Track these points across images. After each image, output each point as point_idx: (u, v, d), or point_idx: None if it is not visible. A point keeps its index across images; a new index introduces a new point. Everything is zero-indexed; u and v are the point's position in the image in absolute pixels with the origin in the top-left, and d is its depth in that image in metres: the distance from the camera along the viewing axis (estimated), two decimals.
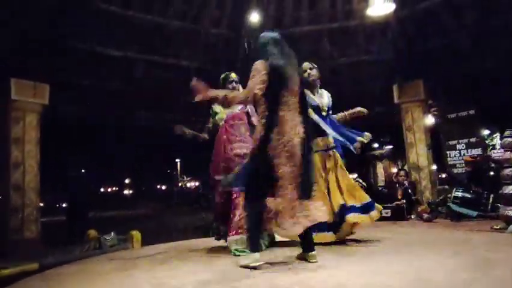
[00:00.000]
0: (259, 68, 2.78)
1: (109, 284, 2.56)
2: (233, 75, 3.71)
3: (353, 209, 3.39)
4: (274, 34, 2.97)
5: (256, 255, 2.68)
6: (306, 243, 2.77)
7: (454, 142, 7.74)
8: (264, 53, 2.86)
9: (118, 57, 7.05)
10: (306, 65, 3.69)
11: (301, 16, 7.63)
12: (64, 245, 5.60)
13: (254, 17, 7.05)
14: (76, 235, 6.00)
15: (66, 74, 6.65)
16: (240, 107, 3.68)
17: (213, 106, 3.79)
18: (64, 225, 7.94)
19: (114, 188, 42.08)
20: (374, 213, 3.46)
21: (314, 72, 3.67)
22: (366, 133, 3.68)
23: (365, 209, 3.44)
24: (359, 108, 3.85)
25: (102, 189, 38.11)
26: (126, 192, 40.85)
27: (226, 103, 2.87)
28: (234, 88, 3.58)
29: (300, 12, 7.59)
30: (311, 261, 2.69)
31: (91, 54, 6.73)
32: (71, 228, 6.47)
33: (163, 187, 38.43)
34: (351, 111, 3.89)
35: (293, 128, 2.69)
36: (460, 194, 5.71)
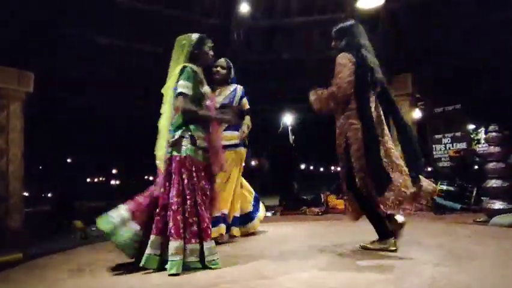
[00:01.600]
0: (345, 62, 2.77)
1: (94, 275, 2.54)
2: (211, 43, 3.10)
3: (235, 220, 3.77)
4: (356, 23, 2.95)
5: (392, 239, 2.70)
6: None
7: (440, 136, 7.84)
8: (349, 44, 2.87)
9: (107, 45, 6.92)
10: (221, 61, 3.90)
11: (292, 7, 7.59)
12: (48, 235, 5.54)
13: (244, 7, 6.99)
14: (61, 225, 5.93)
15: (55, 62, 6.52)
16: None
17: None
18: (49, 215, 7.82)
19: (101, 178, 41.68)
20: (252, 224, 4.00)
21: (222, 71, 3.86)
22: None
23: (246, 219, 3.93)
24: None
25: (89, 179, 37.71)
26: (113, 182, 40.51)
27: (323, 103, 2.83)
28: (212, 56, 3.09)
29: (290, 3, 7.54)
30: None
31: (79, 42, 6.59)
32: (57, 218, 6.39)
33: (151, 178, 38.19)
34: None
35: (380, 125, 2.79)
36: (444, 187, 5.81)
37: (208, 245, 2.50)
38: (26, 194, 6.81)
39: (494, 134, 4.52)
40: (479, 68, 6.87)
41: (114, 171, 40.39)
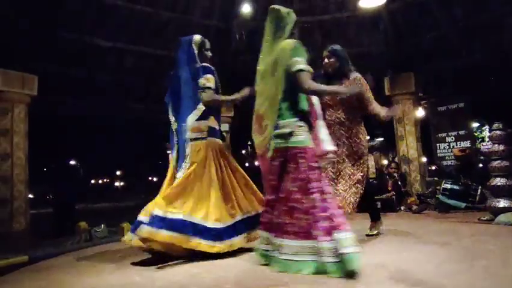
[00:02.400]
0: None
1: (99, 276, 2.55)
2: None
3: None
4: None
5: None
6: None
7: (444, 135, 7.82)
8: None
9: (107, 47, 6.95)
10: None
11: (293, 8, 7.59)
12: (53, 238, 5.56)
13: (245, 8, 7.00)
14: (61, 228, 5.94)
15: (55, 65, 6.55)
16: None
17: None
18: (51, 217, 7.79)
19: (105, 180, 41.86)
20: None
21: None
22: None
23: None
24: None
25: (93, 181, 37.88)
26: (117, 184, 40.68)
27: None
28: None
29: (291, 4, 7.54)
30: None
31: (80, 44, 6.63)
32: (57, 220, 6.39)
33: (155, 179, 38.31)
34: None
35: None
36: (448, 186, 5.79)
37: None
38: (31, 196, 6.84)
39: (498, 132, 4.50)
40: (482, 66, 6.84)
41: (118, 172, 40.57)
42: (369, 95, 3.12)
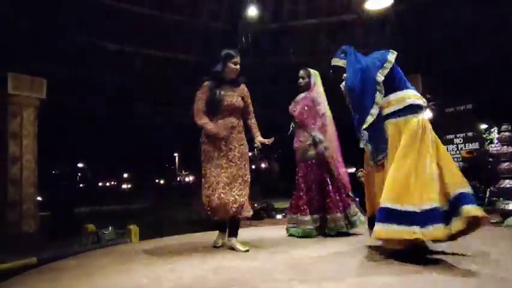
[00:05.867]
0: None
1: (106, 278, 2.57)
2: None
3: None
4: None
5: None
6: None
7: (451, 136, 7.75)
8: None
9: (115, 50, 7.02)
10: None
11: (299, 10, 7.60)
12: (62, 239, 5.62)
13: (252, 11, 7.02)
14: (62, 229, 6.00)
15: (64, 68, 6.63)
16: None
17: None
18: (52, 220, 7.70)
19: (112, 183, 42.15)
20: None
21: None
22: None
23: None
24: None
25: (100, 184, 38.15)
26: (124, 186, 40.92)
27: None
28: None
29: (298, 6, 7.55)
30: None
31: (89, 47, 6.70)
32: (57, 222, 6.44)
33: (162, 181, 38.50)
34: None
35: None
36: None
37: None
38: (39, 198, 6.90)
39: (507, 133, 4.47)
40: (490, 67, 6.78)
41: (125, 175, 40.83)
42: (251, 107, 3.38)
